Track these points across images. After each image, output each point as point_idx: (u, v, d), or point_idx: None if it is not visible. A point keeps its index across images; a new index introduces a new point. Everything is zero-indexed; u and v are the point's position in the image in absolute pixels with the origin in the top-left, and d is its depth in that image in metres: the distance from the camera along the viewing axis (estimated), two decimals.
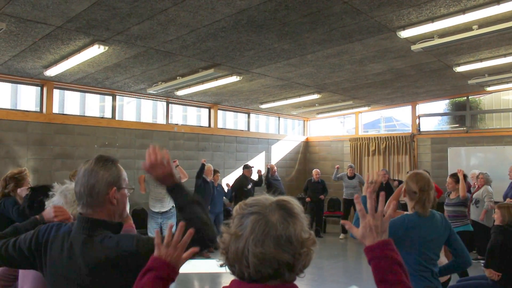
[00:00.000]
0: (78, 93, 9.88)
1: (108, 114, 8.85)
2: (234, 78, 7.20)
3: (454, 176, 6.49)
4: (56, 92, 7.91)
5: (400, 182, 9.90)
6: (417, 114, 10.99)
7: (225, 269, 1.18)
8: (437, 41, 5.27)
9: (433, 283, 2.74)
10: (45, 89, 7.62)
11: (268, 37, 5.31)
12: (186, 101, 9.83)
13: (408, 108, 11.21)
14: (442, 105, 11.43)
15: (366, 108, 11.26)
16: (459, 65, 6.90)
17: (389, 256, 1.29)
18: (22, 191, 3.64)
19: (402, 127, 13.89)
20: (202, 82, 7.53)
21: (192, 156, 9.75)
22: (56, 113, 7.89)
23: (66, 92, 8.82)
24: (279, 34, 5.19)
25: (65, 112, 8.55)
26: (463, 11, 4.48)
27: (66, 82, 7.63)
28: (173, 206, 7.85)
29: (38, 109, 7.78)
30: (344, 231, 10.36)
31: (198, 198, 1.73)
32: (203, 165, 8.26)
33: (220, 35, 5.17)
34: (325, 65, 6.79)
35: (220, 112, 10.78)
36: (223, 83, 7.50)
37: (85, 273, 1.56)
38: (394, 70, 7.20)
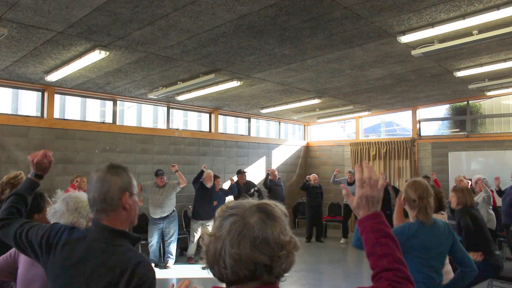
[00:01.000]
0: (79, 98, 9.92)
1: (109, 119, 8.86)
2: (234, 83, 7.21)
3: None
4: (57, 97, 7.92)
5: (394, 187, 9.90)
6: (417, 119, 11.00)
7: (208, 273, 1.18)
8: (437, 46, 5.28)
9: None
10: (46, 94, 7.64)
11: (268, 42, 5.32)
12: (186, 106, 9.85)
13: (409, 113, 11.22)
14: (442, 110, 11.44)
15: (366, 113, 11.27)
16: (459, 70, 6.91)
17: (377, 228, 1.29)
18: None
19: (403, 132, 13.89)
20: (203, 87, 7.54)
21: (193, 161, 9.75)
22: (57, 118, 7.89)
23: (67, 97, 8.84)
24: (279, 39, 5.21)
25: (66, 117, 8.57)
26: (463, 16, 4.50)
27: (67, 87, 7.65)
28: (173, 210, 7.85)
29: (39, 114, 7.79)
30: (345, 235, 10.35)
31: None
32: (201, 171, 8.23)
33: (221, 40, 5.19)
34: (326, 70, 6.80)
35: (220, 117, 10.79)
36: (224, 88, 7.51)
37: (92, 280, 1.58)
38: (395, 75, 7.21)
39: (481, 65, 6.64)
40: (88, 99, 9.17)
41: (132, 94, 8.43)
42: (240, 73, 6.84)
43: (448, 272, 3.74)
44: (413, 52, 5.54)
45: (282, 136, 12.80)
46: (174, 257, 7.83)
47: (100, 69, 6.40)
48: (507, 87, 8.51)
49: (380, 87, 8.20)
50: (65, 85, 7.46)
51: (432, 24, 4.74)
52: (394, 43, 5.39)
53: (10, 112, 8.32)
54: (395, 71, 6.94)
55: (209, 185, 8.24)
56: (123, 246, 1.65)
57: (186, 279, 1.53)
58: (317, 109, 10.48)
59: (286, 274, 1.15)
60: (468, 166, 9.94)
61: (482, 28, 4.88)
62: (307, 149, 13.23)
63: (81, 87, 7.64)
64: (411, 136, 11.17)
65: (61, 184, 7.09)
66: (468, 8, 4.34)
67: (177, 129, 9.87)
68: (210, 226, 8.13)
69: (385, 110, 11.30)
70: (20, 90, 8.17)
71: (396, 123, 15.40)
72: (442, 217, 3.70)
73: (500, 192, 7.85)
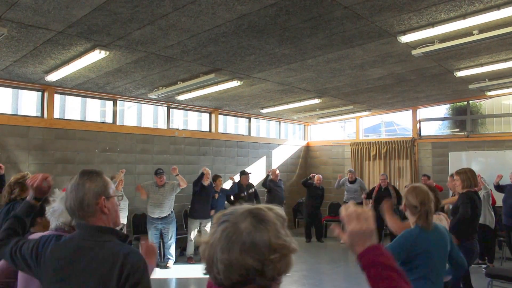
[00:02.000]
0: (79, 98, 9.90)
1: (109, 119, 8.86)
2: (235, 83, 7.20)
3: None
4: (57, 97, 7.92)
5: (394, 188, 9.88)
6: (417, 119, 10.99)
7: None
8: (438, 46, 5.28)
9: None
10: (46, 94, 7.64)
11: (268, 42, 5.32)
12: (187, 106, 9.85)
13: (409, 113, 11.21)
14: (442, 110, 11.43)
15: (366, 113, 11.27)
16: (459, 70, 6.91)
17: (377, 262, 1.24)
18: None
19: (403, 132, 13.88)
20: (203, 87, 7.53)
21: (193, 161, 9.75)
22: (57, 118, 7.89)
23: (67, 97, 8.82)
24: (279, 39, 5.20)
25: (66, 117, 8.55)
26: (464, 16, 4.49)
27: (67, 87, 7.64)
28: (172, 211, 7.84)
29: (39, 114, 7.79)
30: None
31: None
32: (202, 174, 8.20)
33: (221, 40, 5.18)
34: (326, 70, 6.80)
35: (220, 117, 10.79)
36: (224, 88, 7.51)
37: (79, 279, 1.61)
38: (395, 74, 7.20)
39: (481, 65, 6.63)
40: (88, 99, 9.16)
41: (132, 94, 8.43)
42: (240, 73, 6.83)
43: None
44: (414, 52, 5.53)
45: (282, 136, 12.80)
46: (174, 257, 7.82)
47: (100, 69, 6.40)
48: (508, 87, 8.50)
49: (380, 87, 8.20)
50: (65, 85, 7.46)
51: (432, 24, 4.73)
52: (395, 43, 5.38)
53: (10, 112, 8.31)
54: (396, 71, 6.93)
55: (206, 183, 8.19)
56: (111, 241, 1.68)
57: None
58: (317, 109, 10.47)
59: (284, 276, 1.15)
60: (469, 166, 9.89)
61: (483, 28, 4.87)
62: (307, 149, 13.23)
63: (81, 87, 7.63)
64: (411, 136, 11.17)
65: (61, 184, 7.08)
66: (469, 8, 4.33)
67: (177, 129, 9.87)
68: (208, 225, 8.13)
69: (385, 110, 11.29)
70: (20, 90, 8.16)
71: (396, 123, 15.40)
72: (438, 217, 3.69)
73: (498, 187, 7.82)
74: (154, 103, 9.45)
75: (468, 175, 4.70)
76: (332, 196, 11.65)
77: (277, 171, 10.32)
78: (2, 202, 3.95)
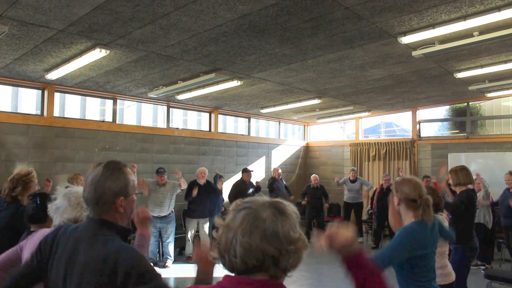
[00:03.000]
0: (79, 97, 9.90)
1: (109, 118, 8.86)
2: (235, 83, 7.20)
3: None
4: (57, 96, 7.92)
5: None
6: (417, 120, 11.00)
7: (218, 263, 1.24)
8: (438, 47, 5.28)
9: None
10: (46, 93, 7.63)
11: (269, 42, 5.32)
12: (186, 105, 9.85)
13: (409, 114, 11.22)
14: (442, 111, 11.45)
15: (366, 114, 11.26)
16: (459, 71, 6.91)
17: (362, 266, 1.48)
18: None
19: (403, 133, 13.88)
20: (203, 86, 7.53)
21: (192, 160, 9.75)
22: (57, 117, 7.89)
23: (67, 95, 8.82)
24: (280, 39, 5.21)
25: (66, 116, 8.55)
26: (464, 17, 4.49)
27: (67, 85, 7.64)
28: (172, 211, 7.83)
29: (39, 112, 7.79)
30: None
31: None
32: (190, 189, 8.03)
33: (222, 40, 5.18)
34: (326, 70, 6.80)
35: (220, 117, 10.79)
36: (224, 87, 7.51)
37: (78, 271, 1.57)
38: (395, 75, 7.21)
39: (481, 66, 6.64)
40: (88, 98, 9.17)
41: (132, 93, 8.43)
42: (240, 73, 6.83)
43: (449, 274, 3.74)
44: (414, 53, 5.54)
45: (282, 136, 12.80)
46: (172, 257, 7.82)
47: (101, 68, 6.40)
48: (508, 89, 8.50)
49: (380, 88, 8.20)
50: (65, 83, 7.46)
51: (433, 25, 4.74)
52: (395, 43, 5.38)
53: (10, 110, 8.30)
54: (396, 71, 6.94)
55: (202, 182, 8.13)
56: (105, 236, 1.62)
57: None
58: (317, 109, 10.47)
59: (293, 270, 1.20)
60: (468, 168, 9.92)
61: (483, 30, 4.88)
62: (306, 149, 13.23)
63: (81, 85, 7.63)
64: (411, 137, 11.18)
65: (61, 182, 7.09)
66: (469, 10, 4.34)
67: (177, 128, 9.88)
68: (206, 225, 8.10)
69: (385, 111, 11.30)
70: (20, 88, 8.16)
71: (396, 124, 15.40)
72: (441, 217, 3.69)
73: (494, 204, 7.74)
74: (154, 102, 9.45)
75: (457, 174, 4.75)
76: (332, 196, 11.64)
77: (279, 170, 10.34)
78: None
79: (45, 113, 7.64)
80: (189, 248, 8.13)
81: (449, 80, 7.62)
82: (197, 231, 8.21)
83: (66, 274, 1.62)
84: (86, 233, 1.65)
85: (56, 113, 7.97)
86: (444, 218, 3.88)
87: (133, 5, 4.09)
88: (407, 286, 2.68)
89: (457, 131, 11.19)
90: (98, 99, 9.41)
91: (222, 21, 4.54)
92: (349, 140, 12.51)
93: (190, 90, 7.82)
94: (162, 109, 9.85)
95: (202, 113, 10.72)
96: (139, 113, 21.58)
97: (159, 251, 7.94)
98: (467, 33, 4.98)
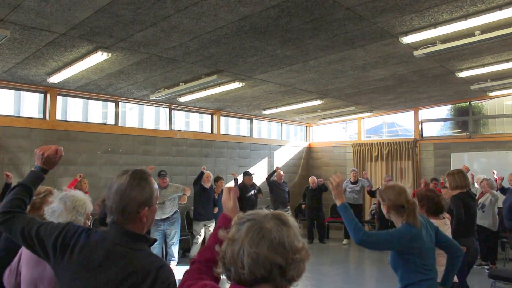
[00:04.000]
0: (81, 100, 9.90)
1: (111, 121, 8.88)
2: (236, 84, 7.21)
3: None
4: (59, 99, 7.94)
5: None
6: (419, 120, 10.98)
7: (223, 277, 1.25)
8: (440, 46, 5.28)
9: None
10: (48, 96, 7.65)
11: (270, 44, 5.32)
12: (188, 107, 9.85)
13: (411, 114, 11.20)
14: (444, 111, 11.43)
15: (368, 114, 11.26)
16: (461, 70, 6.90)
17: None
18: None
19: (405, 133, 13.86)
20: (205, 88, 7.54)
21: (195, 162, 9.76)
22: (59, 120, 7.91)
23: (69, 99, 8.83)
24: (281, 41, 5.21)
25: (68, 119, 8.55)
26: (465, 16, 4.49)
27: (69, 89, 7.66)
28: (175, 212, 7.83)
29: (41, 116, 7.80)
30: (347, 236, 10.33)
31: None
32: (201, 173, 8.24)
33: (223, 42, 5.19)
34: (328, 71, 6.80)
35: (222, 118, 10.80)
36: (226, 89, 7.51)
37: (112, 285, 1.57)
38: (397, 75, 7.20)
39: (483, 65, 6.62)
40: (90, 101, 9.16)
41: (134, 96, 8.44)
42: (242, 74, 6.84)
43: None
44: (415, 53, 5.53)
45: (284, 137, 12.80)
46: (176, 258, 7.82)
47: (102, 71, 6.41)
48: (510, 88, 8.48)
49: (382, 88, 8.20)
50: (67, 86, 7.48)
51: (434, 25, 4.73)
52: (396, 43, 5.38)
53: (12, 114, 8.31)
54: (397, 72, 6.93)
55: (207, 185, 8.22)
56: (144, 250, 1.65)
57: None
58: (319, 110, 10.47)
59: (297, 281, 1.21)
60: (471, 167, 9.82)
61: (485, 29, 4.87)
62: (309, 150, 13.23)
63: (83, 88, 7.65)
64: (413, 137, 11.16)
65: (63, 185, 7.10)
66: (471, 9, 4.33)
67: (179, 130, 9.88)
68: (212, 226, 8.12)
69: (387, 111, 11.29)
70: (22, 92, 8.18)
71: (398, 124, 15.36)
72: (443, 221, 3.67)
73: (502, 190, 7.76)
74: (156, 105, 9.46)
75: (455, 177, 4.73)
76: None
77: (282, 172, 10.27)
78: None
79: (47, 117, 7.65)
80: (194, 251, 8.13)
81: (451, 79, 7.61)
82: (205, 234, 8.22)
83: (92, 281, 1.61)
84: (120, 247, 1.62)
85: (59, 116, 7.99)
86: (447, 221, 3.82)
87: (134, 8, 4.10)
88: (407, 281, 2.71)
89: (460, 130, 11.16)
90: (100, 102, 9.42)
91: (223, 23, 4.55)
92: (351, 141, 12.49)
93: (192, 92, 7.83)
94: (164, 111, 9.86)
95: (204, 115, 10.73)
96: (141, 116, 21.58)
97: (163, 253, 7.95)
98: (469, 33, 4.97)
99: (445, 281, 2.99)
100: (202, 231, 8.13)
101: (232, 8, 4.13)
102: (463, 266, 4.55)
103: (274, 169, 10.38)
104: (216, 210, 8.21)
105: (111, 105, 8.87)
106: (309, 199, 10.52)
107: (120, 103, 8.77)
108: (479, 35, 4.96)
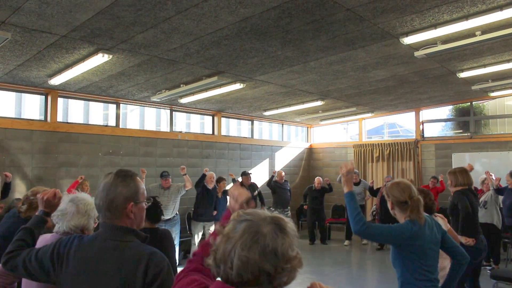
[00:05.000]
0: (82, 102, 9.93)
1: (112, 122, 8.88)
2: (237, 86, 7.21)
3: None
4: (60, 101, 7.95)
5: None
6: (420, 120, 10.97)
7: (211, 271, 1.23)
8: (440, 47, 5.27)
9: None
10: (49, 98, 7.66)
11: (271, 45, 5.32)
12: (189, 108, 9.86)
13: (412, 114, 11.20)
14: (445, 111, 11.41)
15: (369, 115, 11.26)
16: (462, 71, 6.90)
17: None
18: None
19: (406, 133, 13.85)
20: (206, 89, 7.55)
21: (196, 163, 9.76)
22: (60, 122, 7.92)
23: (70, 100, 8.85)
24: (282, 42, 5.21)
25: (69, 121, 8.57)
26: (466, 17, 4.49)
27: (70, 90, 7.67)
28: (177, 214, 7.83)
29: (42, 117, 7.82)
30: (349, 237, 10.32)
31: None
32: (203, 175, 8.21)
33: (224, 43, 5.19)
34: (329, 72, 6.80)
35: (223, 120, 10.80)
36: (227, 90, 7.52)
37: (109, 278, 1.64)
38: (398, 76, 7.20)
39: (484, 66, 6.62)
40: (91, 102, 9.19)
41: (135, 97, 8.45)
42: (243, 76, 6.84)
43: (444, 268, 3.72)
44: (416, 54, 5.53)
45: (285, 138, 12.79)
46: (177, 260, 7.81)
47: (103, 73, 6.42)
48: (511, 88, 8.48)
49: (383, 89, 8.19)
50: (68, 88, 7.49)
51: (435, 25, 4.73)
52: (397, 44, 5.38)
53: (13, 116, 8.32)
54: (398, 72, 6.93)
55: (210, 186, 8.20)
56: (133, 241, 1.73)
57: None
58: (320, 111, 10.47)
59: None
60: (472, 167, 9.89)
61: (485, 29, 4.87)
62: (310, 151, 13.23)
63: (84, 90, 7.66)
64: (414, 137, 11.15)
65: (65, 187, 7.11)
66: (471, 9, 4.33)
67: (180, 131, 9.88)
68: (212, 228, 8.11)
69: (388, 112, 11.28)
70: (23, 94, 8.18)
71: (399, 125, 15.35)
72: (439, 220, 3.67)
73: (498, 190, 7.75)
74: (157, 106, 9.47)
75: (457, 175, 4.75)
76: (336, 198, 11.63)
77: (283, 173, 10.29)
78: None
79: (48, 119, 7.66)
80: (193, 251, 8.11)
81: (452, 80, 7.60)
82: (203, 235, 8.21)
83: (91, 276, 1.68)
84: (111, 242, 1.71)
85: (60, 118, 7.99)
86: (439, 219, 3.81)
87: (135, 10, 4.10)
88: (407, 279, 2.71)
89: (461, 131, 11.15)
90: (101, 104, 9.44)
91: (224, 24, 4.55)
92: (353, 141, 12.49)
93: (193, 93, 7.83)
94: (165, 113, 9.87)
95: (205, 116, 10.74)
96: (142, 117, 21.59)
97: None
98: (469, 33, 4.97)
99: (446, 286, 2.98)
100: (201, 232, 8.12)
101: (233, 9, 4.13)
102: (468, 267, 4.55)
103: (272, 173, 10.43)
104: (215, 213, 8.20)
105: (112, 107, 8.87)
106: (311, 200, 10.50)
107: (121, 104, 8.78)
108: (480, 35, 4.95)
